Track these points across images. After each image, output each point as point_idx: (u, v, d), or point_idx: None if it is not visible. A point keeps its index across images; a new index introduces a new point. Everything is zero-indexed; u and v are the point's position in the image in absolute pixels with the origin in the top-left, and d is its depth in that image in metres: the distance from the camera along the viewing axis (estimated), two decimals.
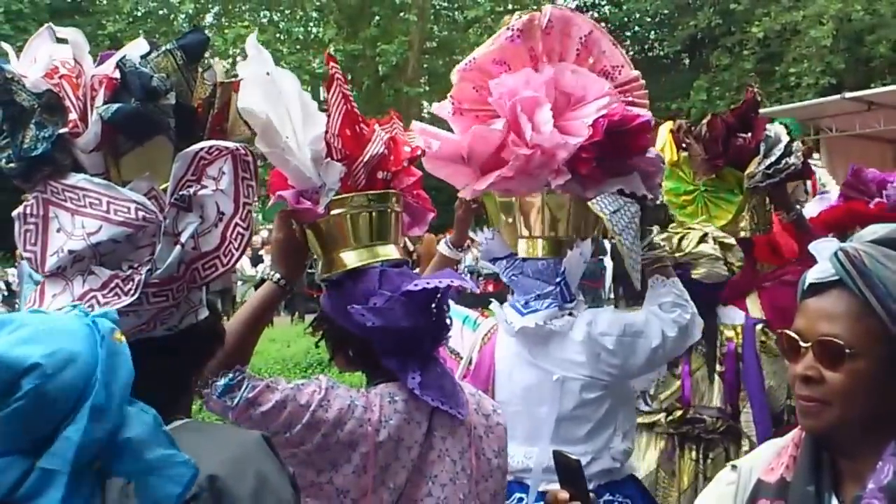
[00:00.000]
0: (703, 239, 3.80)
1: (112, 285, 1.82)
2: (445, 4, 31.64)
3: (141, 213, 1.81)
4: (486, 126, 2.85)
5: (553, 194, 3.09)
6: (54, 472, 1.33)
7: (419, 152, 2.63)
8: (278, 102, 2.28)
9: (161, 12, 29.78)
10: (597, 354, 3.06)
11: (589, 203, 2.93)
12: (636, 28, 29.80)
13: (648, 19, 29.15)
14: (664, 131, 4.31)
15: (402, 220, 2.53)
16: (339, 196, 2.38)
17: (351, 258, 2.38)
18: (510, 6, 30.47)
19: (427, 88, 27.95)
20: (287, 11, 30.50)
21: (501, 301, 3.33)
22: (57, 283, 1.84)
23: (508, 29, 2.93)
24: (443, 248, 3.53)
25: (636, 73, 3.02)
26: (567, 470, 1.74)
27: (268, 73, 2.28)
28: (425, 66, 28.93)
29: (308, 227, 2.42)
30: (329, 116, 2.39)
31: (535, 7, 32.29)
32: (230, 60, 30.03)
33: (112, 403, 1.39)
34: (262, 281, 2.44)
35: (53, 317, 1.45)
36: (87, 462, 1.37)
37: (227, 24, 28.89)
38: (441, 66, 28.27)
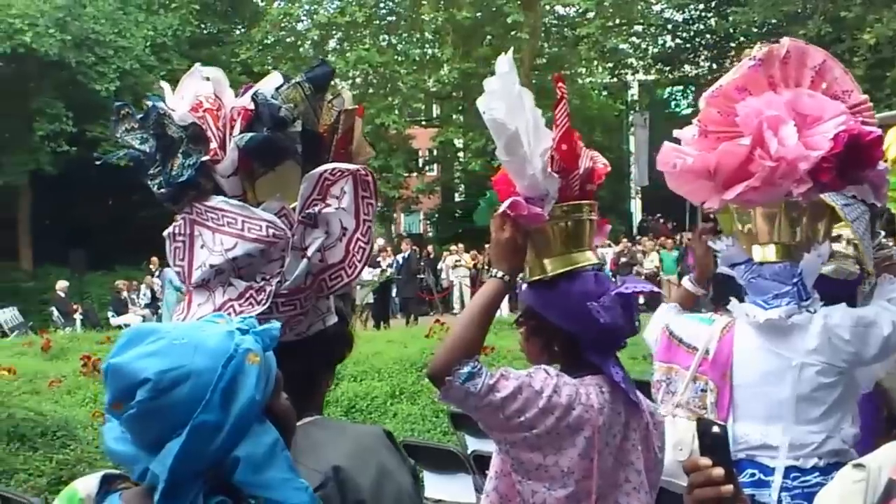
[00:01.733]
0: (836, 238, 3.98)
1: (247, 295, 2.00)
2: (556, 22, 31.71)
3: (271, 231, 1.99)
4: (733, 143, 3.13)
5: (791, 202, 3.37)
6: (157, 475, 1.47)
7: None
8: (521, 116, 2.53)
9: (288, 40, 30.83)
10: (833, 344, 3.32)
11: (822, 196, 3.27)
12: (741, 39, 29.11)
13: (755, 29, 28.44)
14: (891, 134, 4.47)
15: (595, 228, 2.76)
16: (570, 204, 2.65)
17: (563, 262, 2.61)
18: (618, 20, 30.36)
19: (537, 104, 28.04)
20: (405, 34, 31.17)
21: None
22: (202, 293, 2.06)
23: (751, 59, 3.23)
24: (687, 284, 3.93)
25: (864, 96, 3.30)
26: (711, 438, 1.70)
27: (514, 89, 2.55)
28: (534, 81, 29.08)
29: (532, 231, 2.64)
30: (554, 132, 2.61)
31: (641, 21, 32.07)
32: (350, 81, 30.85)
33: (226, 422, 1.47)
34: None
35: (195, 332, 1.55)
36: (193, 472, 1.47)
37: (348, 47, 29.68)
38: (550, 81, 28.32)
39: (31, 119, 26.72)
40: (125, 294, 22.62)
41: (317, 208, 2.01)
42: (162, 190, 2.13)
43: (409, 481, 1.94)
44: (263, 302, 1.97)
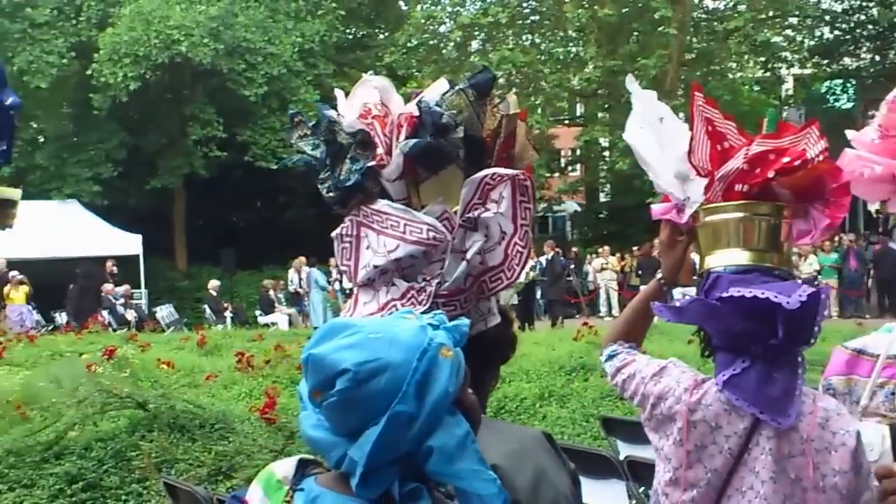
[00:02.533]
0: None
1: (409, 295, 2.09)
2: (705, 16, 30.91)
3: (431, 234, 2.07)
4: None
5: None
6: (356, 461, 1.56)
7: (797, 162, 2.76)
8: (652, 134, 2.65)
9: (431, 42, 31.17)
10: None
11: None
12: None
13: None
14: None
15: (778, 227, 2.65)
16: (707, 206, 2.64)
17: (704, 262, 2.66)
18: (770, 13, 29.30)
19: (684, 100, 27.43)
20: (548, 33, 31.01)
21: None
22: (367, 292, 2.15)
23: None
24: None
25: None
26: None
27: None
28: (683, 77, 28.44)
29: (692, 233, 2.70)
30: (692, 138, 2.62)
31: (796, 13, 30.82)
32: (441, 80, 30.81)
33: (421, 412, 1.55)
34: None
35: (389, 326, 1.63)
36: (388, 459, 1.56)
37: (491, 48, 29.78)
38: (699, 76, 27.67)
39: (185, 124, 27.93)
40: (272, 293, 23.34)
41: (477, 212, 2.05)
42: (331, 193, 2.26)
43: (567, 484, 1.94)
44: (424, 302, 2.05)
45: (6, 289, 20.75)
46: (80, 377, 9.55)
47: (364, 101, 2.28)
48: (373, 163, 2.17)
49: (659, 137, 2.58)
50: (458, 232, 2.09)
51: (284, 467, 1.72)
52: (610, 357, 2.65)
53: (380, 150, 2.18)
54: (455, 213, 2.09)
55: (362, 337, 1.58)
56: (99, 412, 8.14)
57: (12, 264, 20.35)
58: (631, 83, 2.68)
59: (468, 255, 2.08)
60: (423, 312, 1.98)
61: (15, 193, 1.81)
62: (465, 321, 1.67)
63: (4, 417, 8.78)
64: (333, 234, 2.25)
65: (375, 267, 2.13)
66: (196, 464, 7.04)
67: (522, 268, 2.12)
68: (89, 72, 26.14)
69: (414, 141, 2.10)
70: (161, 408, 7.91)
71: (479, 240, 2.08)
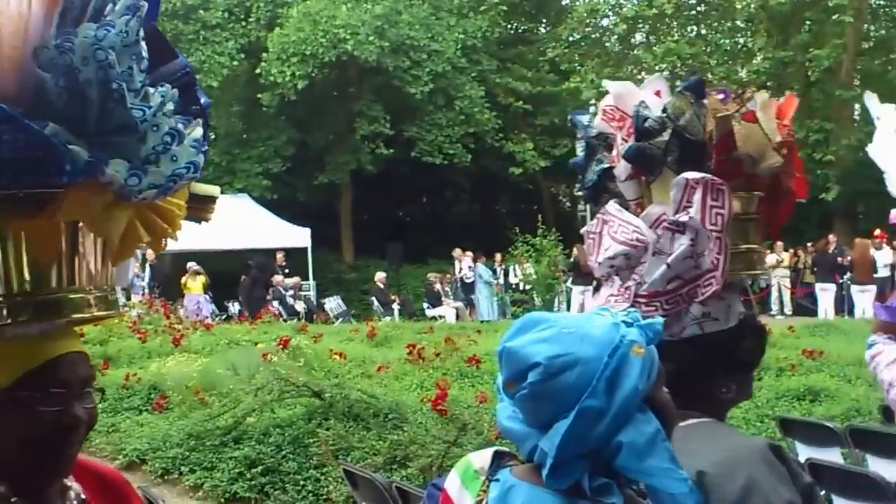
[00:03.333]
0: None
1: (617, 294, 2.17)
2: (884, 3, 29.30)
3: (635, 235, 2.13)
4: None
5: None
6: (546, 453, 1.59)
7: None
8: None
9: (594, 36, 30.84)
10: None
11: None
12: None
13: None
14: None
15: None
16: None
17: None
18: None
19: (860, 91, 26.09)
20: (715, 23, 30.12)
21: None
22: (607, 286, 2.24)
23: None
24: None
25: None
26: None
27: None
28: (859, 67, 27.02)
29: None
30: None
31: None
32: (656, 74, 30.19)
33: (610, 408, 1.56)
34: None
35: (583, 322, 1.65)
36: (577, 453, 1.58)
37: (655, 40, 29.20)
38: (877, 65, 26.24)
39: (352, 121, 28.60)
40: (438, 286, 23.60)
41: (684, 215, 2.03)
42: (582, 192, 2.49)
43: (785, 499, 1.86)
44: (628, 300, 2.05)
45: (184, 279, 21.83)
46: (257, 365, 9.88)
47: (611, 104, 2.37)
48: (608, 165, 2.32)
49: None
50: (666, 234, 2.07)
51: (481, 458, 1.74)
52: (868, 346, 2.94)
53: (614, 152, 2.31)
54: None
55: (556, 332, 1.61)
56: (276, 399, 8.38)
57: (189, 255, 21.32)
58: (870, 99, 2.78)
59: (670, 259, 2.06)
60: (624, 310, 1.97)
61: (215, 190, 1.88)
62: (658, 320, 1.67)
63: (185, 402, 9.22)
64: (582, 230, 2.36)
65: (600, 264, 2.22)
66: (371, 452, 7.14)
67: (723, 274, 2.09)
68: (258, 71, 27.15)
69: (629, 144, 2.14)
70: (336, 397, 8.06)
71: (684, 243, 2.06)
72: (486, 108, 28.96)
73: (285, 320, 19.23)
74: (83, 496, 1.58)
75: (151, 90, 1.49)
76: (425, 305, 23.66)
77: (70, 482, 1.57)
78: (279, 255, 23.96)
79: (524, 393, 1.60)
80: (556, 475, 1.58)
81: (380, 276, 24.05)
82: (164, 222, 1.61)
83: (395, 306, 23.27)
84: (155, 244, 1.64)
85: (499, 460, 1.73)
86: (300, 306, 22.38)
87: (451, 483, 1.75)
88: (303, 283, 24.18)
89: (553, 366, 1.57)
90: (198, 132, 1.58)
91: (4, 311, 1.41)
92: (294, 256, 24.66)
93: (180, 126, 1.52)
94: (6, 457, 1.45)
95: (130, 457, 8.11)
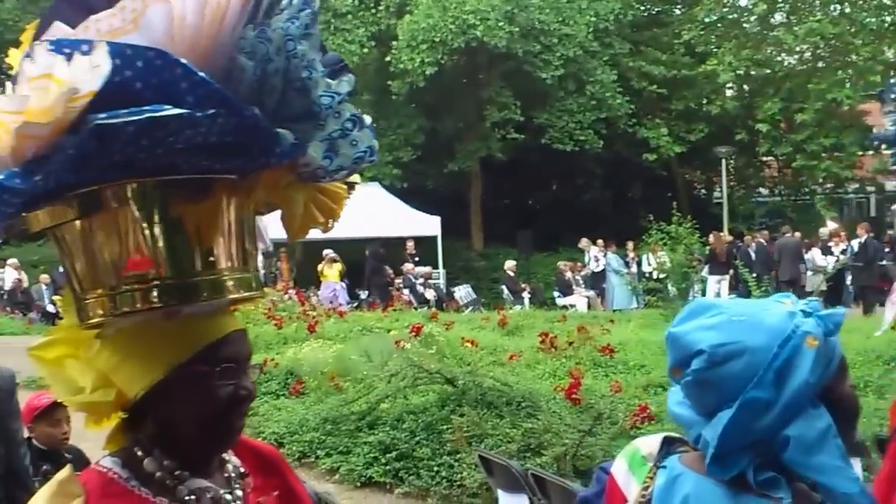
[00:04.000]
0: None
1: None
2: None
3: None
4: None
5: None
6: (708, 442, 1.56)
7: None
8: None
9: (731, 17, 29.78)
10: None
11: None
12: None
13: None
14: None
15: None
16: None
17: None
18: None
19: None
20: (860, 2, 28.63)
21: None
22: None
23: None
24: None
25: None
26: None
27: None
28: None
29: None
30: None
31: None
32: (797, 56, 29.10)
33: (778, 400, 1.52)
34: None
35: (756, 310, 1.61)
36: (740, 444, 1.54)
37: (795, 20, 27.99)
38: None
39: (481, 108, 28.48)
40: (568, 275, 23.34)
41: None
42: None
43: None
44: None
45: (320, 266, 22.22)
46: (390, 352, 9.97)
47: None
48: None
49: None
50: None
51: (649, 444, 1.73)
52: None
53: None
54: None
55: (724, 319, 1.58)
56: (409, 386, 8.45)
57: (320, 244, 21.66)
58: None
59: None
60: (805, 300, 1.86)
61: (355, 177, 1.88)
62: (841, 310, 1.61)
63: (320, 388, 9.36)
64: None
65: None
66: (505, 440, 7.11)
67: None
68: (388, 58, 27.32)
69: None
70: (469, 384, 8.07)
71: None
72: (618, 93, 28.38)
73: (416, 308, 19.35)
74: (242, 469, 1.64)
75: (332, 80, 1.59)
76: (556, 294, 23.42)
77: (228, 456, 1.63)
78: (409, 244, 24.14)
79: (689, 380, 1.59)
80: (719, 465, 1.55)
81: (510, 264, 23.95)
82: (333, 204, 1.72)
83: (525, 295, 23.12)
84: (324, 225, 1.73)
85: (668, 447, 1.71)
86: (430, 294, 22.50)
87: (618, 468, 1.75)
88: (433, 271, 24.29)
89: (717, 354, 1.54)
90: (367, 118, 1.67)
91: (175, 292, 1.47)
92: (424, 245, 24.80)
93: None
94: (179, 431, 1.52)
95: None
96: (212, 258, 1.50)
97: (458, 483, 6.98)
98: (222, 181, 1.50)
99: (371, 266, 22.95)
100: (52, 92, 1.29)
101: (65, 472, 1.48)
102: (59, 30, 1.44)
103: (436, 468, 7.24)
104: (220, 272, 1.51)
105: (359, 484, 7.46)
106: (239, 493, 1.59)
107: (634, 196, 33.92)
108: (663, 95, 29.70)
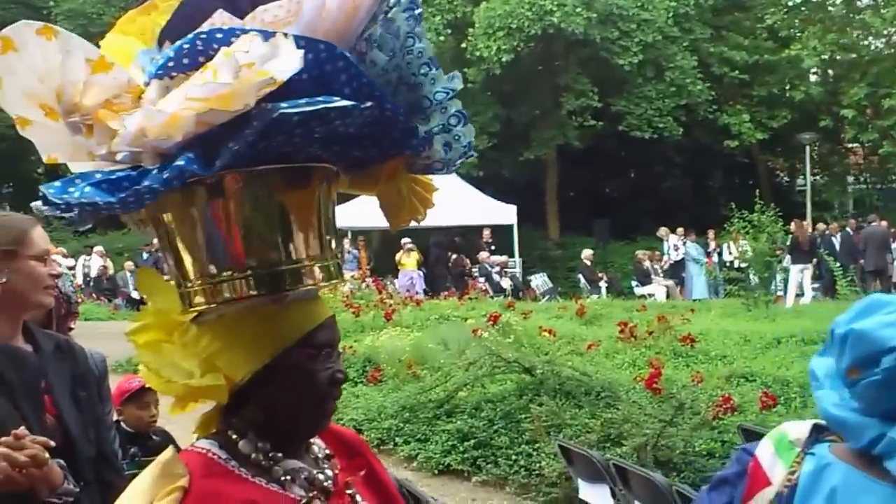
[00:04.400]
0: None
1: None
2: None
3: None
4: None
5: None
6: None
7: None
8: None
9: (816, 0, 29.00)
10: None
11: None
12: None
13: None
14: None
15: None
16: None
17: None
18: None
19: None
20: None
21: None
22: None
23: None
24: None
25: None
26: None
27: None
28: None
29: None
30: None
31: None
32: (884, 40, 28.15)
33: None
34: None
35: None
36: None
37: (883, 3, 27.14)
38: None
39: (558, 95, 28.21)
40: (647, 264, 23.03)
41: None
42: None
43: None
44: None
45: (398, 255, 22.33)
46: (467, 340, 9.97)
47: None
48: None
49: None
50: None
51: (798, 430, 1.71)
52: None
53: None
54: None
55: None
56: (487, 375, 8.44)
57: (402, 233, 21.74)
58: None
59: None
60: None
61: None
62: None
63: (398, 375, 9.40)
64: None
65: None
66: (584, 429, 7.04)
67: None
68: (464, 46, 27.20)
69: None
70: (547, 373, 8.03)
71: None
72: (698, 79, 27.83)
73: (492, 297, 19.32)
74: (327, 451, 1.67)
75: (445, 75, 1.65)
76: (634, 283, 23.17)
77: (313, 438, 1.67)
78: (486, 233, 24.09)
79: (875, 379, 1.54)
80: None
81: (587, 253, 23.73)
82: (426, 194, 1.76)
83: (603, 284, 22.89)
84: (421, 215, 1.77)
85: (817, 434, 1.69)
86: (506, 283, 22.43)
87: (764, 450, 1.73)
88: (508, 260, 24.22)
89: None
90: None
91: (280, 279, 1.51)
92: (500, 233, 24.71)
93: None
94: (279, 414, 1.55)
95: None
96: (309, 246, 1.53)
97: (537, 472, 6.93)
98: (320, 170, 1.54)
99: (434, 255, 23.05)
100: (249, 81, 1.33)
101: (168, 453, 1.52)
102: (222, 19, 1.47)
103: (514, 457, 7.21)
104: (316, 259, 1.55)
105: (436, 472, 7.47)
106: (329, 472, 1.62)
107: (715, 184, 33.33)
108: (745, 81, 29.05)
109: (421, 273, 22.52)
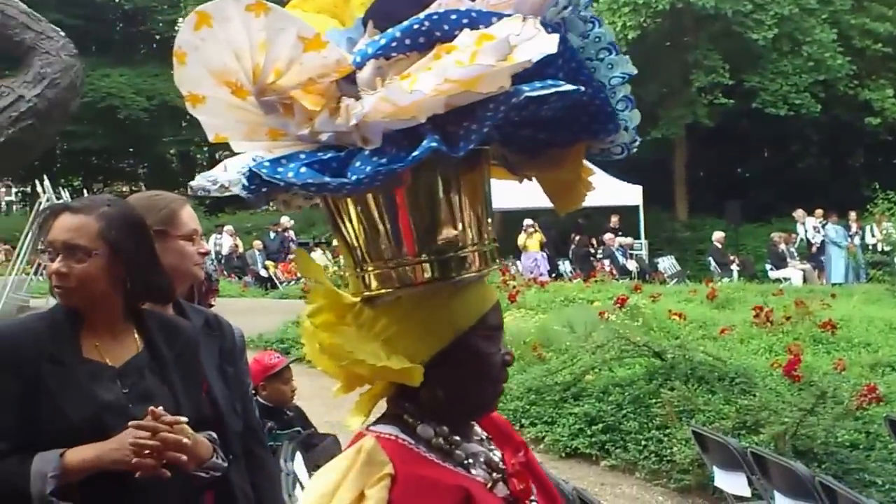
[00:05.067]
0: None
1: None
2: None
3: None
4: None
5: None
6: None
7: None
8: None
9: None
10: None
11: None
12: None
13: None
14: None
15: None
16: None
17: None
18: None
19: None
20: None
21: None
22: None
23: None
24: None
25: None
26: None
27: None
28: None
29: None
30: None
31: None
32: None
33: None
34: None
35: None
36: None
37: None
38: None
39: (687, 72, 27.38)
40: (782, 247, 22.21)
41: None
42: None
43: None
44: None
45: (521, 237, 22.23)
46: (593, 323, 9.85)
47: None
48: None
49: None
50: None
51: None
52: None
53: None
54: None
55: None
56: (615, 358, 8.32)
57: (519, 213, 21.59)
58: None
59: None
60: None
61: None
62: None
63: (524, 357, 9.32)
64: None
65: None
66: (718, 416, 6.86)
67: None
68: None
69: None
70: (678, 358, 7.86)
71: None
72: (838, 53, 26.47)
73: (618, 280, 19.05)
74: (484, 434, 1.65)
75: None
76: (768, 267, 22.34)
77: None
78: (614, 219, 23.74)
79: None
80: None
81: (717, 235, 23.07)
82: (587, 177, 1.75)
83: (734, 267, 22.15)
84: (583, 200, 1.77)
85: None
86: (632, 266, 22.06)
87: None
88: (634, 241, 23.81)
89: None
90: None
91: (457, 262, 1.51)
92: (625, 215, 24.29)
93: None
94: (454, 397, 1.54)
95: None
96: (476, 230, 1.54)
97: (668, 458, 6.77)
98: (486, 153, 1.53)
99: (552, 238, 22.90)
100: (510, 63, 1.33)
101: (370, 441, 1.50)
102: (448, 0, 1.47)
103: (644, 442, 7.06)
104: (482, 244, 1.55)
105: (564, 455, 7.39)
106: (498, 454, 1.61)
107: (855, 163, 31.88)
108: (889, 54, 27.49)
109: (544, 254, 22.38)
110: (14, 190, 38.54)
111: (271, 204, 1.67)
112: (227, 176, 1.78)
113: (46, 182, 14.33)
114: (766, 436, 6.34)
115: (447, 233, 1.49)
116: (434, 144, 1.35)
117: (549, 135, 1.57)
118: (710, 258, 22.89)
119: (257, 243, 23.12)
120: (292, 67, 1.41)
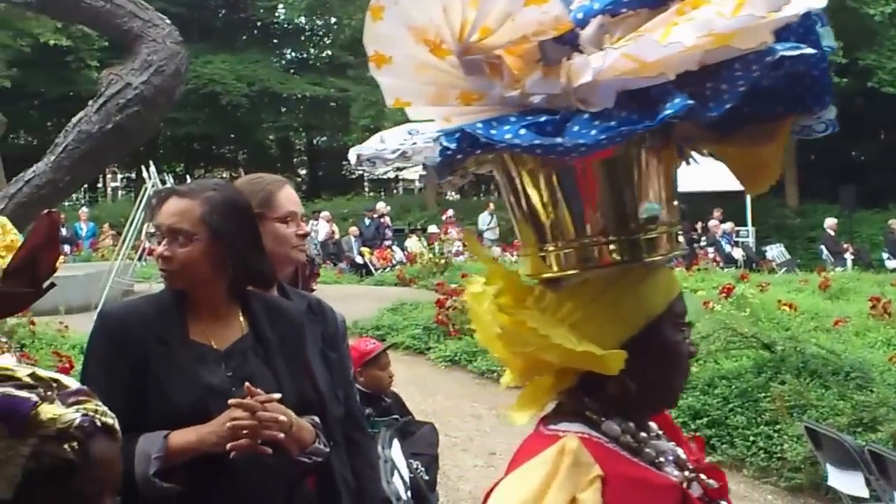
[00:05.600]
0: None
1: None
2: None
3: None
4: None
5: None
6: None
7: None
8: None
9: None
10: None
11: None
12: None
13: None
14: None
15: None
16: None
17: None
18: None
19: None
20: None
21: None
22: None
23: None
24: None
25: None
26: None
27: None
28: None
29: None
30: None
31: None
32: None
33: None
34: None
35: None
36: None
37: None
38: None
39: None
40: None
41: None
42: None
43: None
44: None
45: None
46: (697, 313, 9.58)
47: None
48: None
49: None
50: None
51: None
52: None
53: None
54: None
55: None
56: (721, 350, 8.10)
57: None
58: None
59: None
60: None
61: None
62: None
63: None
64: None
65: None
66: (833, 412, 6.60)
67: None
68: None
69: None
70: (789, 350, 7.62)
71: None
72: None
73: (722, 268, 18.59)
74: (659, 429, 1.57)
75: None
76: (885, 255, 21.45)
77: None
78: (717, 213, 23.16)
79: None
80: None
81: (830, 222, 22.30)
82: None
83: (848, 256, 21.36)
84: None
85: None
86: (738, 254, 21.50)
87: None
88: (740, 228, 23.20)
89: None
90: None
91: (649, 243, 1.44)
92: (730, 200, 23.66)
93: None
94: (643, 389, 1.43)
95: None
96: (671, 208, 1.48)
97: (778, 455, 6.54)
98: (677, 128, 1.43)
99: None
100: (776, 16, 1.26)
101: (573, 442, 1.39)
102: None
103: (752, 438, 6.84)
104: (672, 225, 1.48)
105: None
106: (681, 451, 1.51)
107: None
108: None
109: None
110: (120, 176, 39.80)
111: (366, 188, 1.59)
112: (393, 146, 1.71)
113: (152, 168, 14.67)
114: (885, 434, 6.07)
115: (649, 210, 1.40)
116: (690, 102, 1.25)
117: (756, 108, 1.43)
118: (822, 246, 22.17)
119: (353, 229, 23.30)
120: (505, 24, 1.31)
